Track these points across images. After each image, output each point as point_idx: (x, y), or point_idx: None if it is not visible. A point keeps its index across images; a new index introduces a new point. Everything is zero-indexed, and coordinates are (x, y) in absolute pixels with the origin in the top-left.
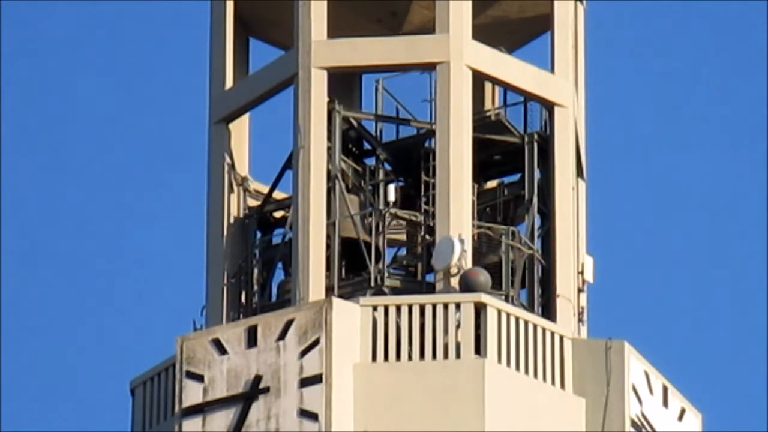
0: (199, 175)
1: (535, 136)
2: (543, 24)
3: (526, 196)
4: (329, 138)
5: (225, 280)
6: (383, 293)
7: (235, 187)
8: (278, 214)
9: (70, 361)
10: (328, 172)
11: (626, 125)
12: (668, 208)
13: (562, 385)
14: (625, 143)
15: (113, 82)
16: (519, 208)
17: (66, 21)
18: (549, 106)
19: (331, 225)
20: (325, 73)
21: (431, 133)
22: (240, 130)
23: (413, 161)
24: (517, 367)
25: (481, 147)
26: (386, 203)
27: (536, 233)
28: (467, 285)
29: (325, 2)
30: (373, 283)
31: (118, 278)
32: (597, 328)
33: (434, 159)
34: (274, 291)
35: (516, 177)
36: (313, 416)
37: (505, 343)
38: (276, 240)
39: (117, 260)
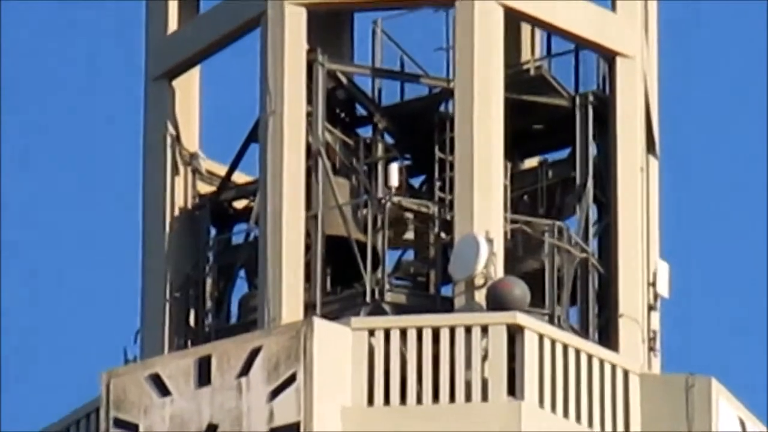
0: (131, 149)
1: (590, 98)
2: None
3: (578, 180)
4: (309, 100)
5: (167, 294)
6: (383, 312)
7: (180, 167)
8: (240, 203)
9: None
10: (308, 146)
11: (715, 84)
12: None
13: None
14: (713, 108)
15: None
16: (568, 196)
17: None
18: (609, 58)
19: (311, 219)
20: (303, 12)
21: (448, 94)
22: (187, 89)
23: (423, 132)
24: (566, 413)
25: (516, 112)
26: (387, 189)
27: (591, 230)
28: (497, 301)
29: None
30: (369, 298)
31: (25, 284)
32: (674, 359)
33: (452, 129)
34: (235, 309)
35: (564, 153)
36: None
37: (549, 380)
38: (237, 239)
39: (25, 261)
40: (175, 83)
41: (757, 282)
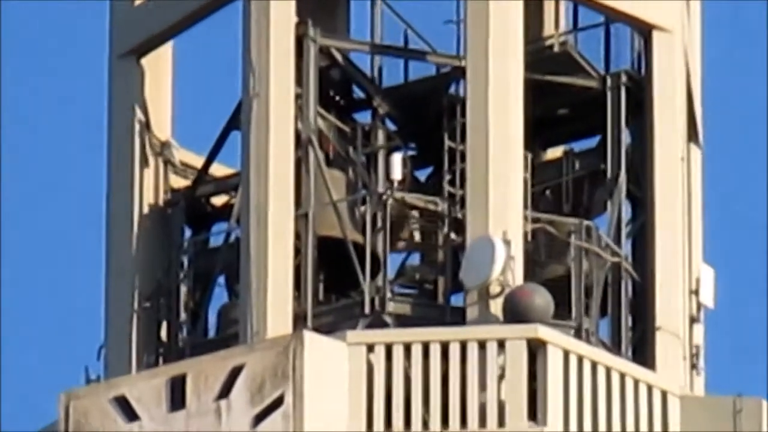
0: (93, 137)
1: (623, 78)
2: None
3: (609, 173)
4: (299, 81)
5: (135, 305)
6: (384, 324)
7: (150, 158)
8: (218, 200)
9: None
10: (298, 134)
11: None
12: None
13: None
14: (765, 91)
15: None
16: (597, 191)
17: None
18: (645, 32)
19: (302, 217)
20: None
21: (459, 73)
22: (158, 68)
23: (430, 117)
24: None
25: (538, 95)
26: (389, 183)
27: (624, 230)
28: (516, 311)
29: None
30: (368, 309)
31: None
32: (720, 378)
33: (464, 114)
34: (213, 321)
35: (593, 142)
36: None
37: (575, 403)
38: (215, 241)
39: None
40: (144, 61)
41: None
